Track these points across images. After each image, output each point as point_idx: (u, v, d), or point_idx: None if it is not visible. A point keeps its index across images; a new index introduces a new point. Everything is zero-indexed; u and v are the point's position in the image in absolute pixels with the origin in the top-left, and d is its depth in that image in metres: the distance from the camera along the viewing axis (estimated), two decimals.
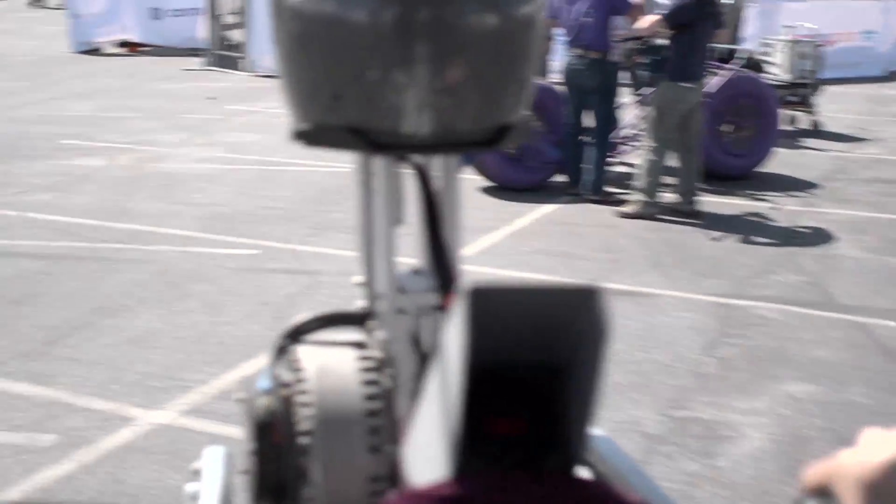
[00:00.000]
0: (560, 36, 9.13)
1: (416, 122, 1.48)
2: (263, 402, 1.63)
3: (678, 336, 5.74)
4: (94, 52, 19.52)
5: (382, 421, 1.57)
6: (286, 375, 1.65)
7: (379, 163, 1.68)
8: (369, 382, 1.60)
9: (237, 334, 5.51)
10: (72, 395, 4.77)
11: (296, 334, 1.72)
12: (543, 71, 9.64)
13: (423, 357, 1.67)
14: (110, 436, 4.37)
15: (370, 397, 1.58)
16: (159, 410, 4.62)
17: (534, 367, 0.96)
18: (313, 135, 1.55)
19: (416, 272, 1.72)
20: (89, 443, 4.31)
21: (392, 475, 1.55)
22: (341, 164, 8.71)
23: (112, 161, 10.18)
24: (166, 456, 4.18)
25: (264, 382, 1.67)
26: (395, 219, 1.69)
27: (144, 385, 4.88)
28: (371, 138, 1.51)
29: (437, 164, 1.69)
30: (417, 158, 1.64)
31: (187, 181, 9.39)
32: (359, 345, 1.69)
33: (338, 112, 1.51)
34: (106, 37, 19.84)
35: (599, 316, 0.91)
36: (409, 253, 1.73)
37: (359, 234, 1.75)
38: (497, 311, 0.89)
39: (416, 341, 1.69)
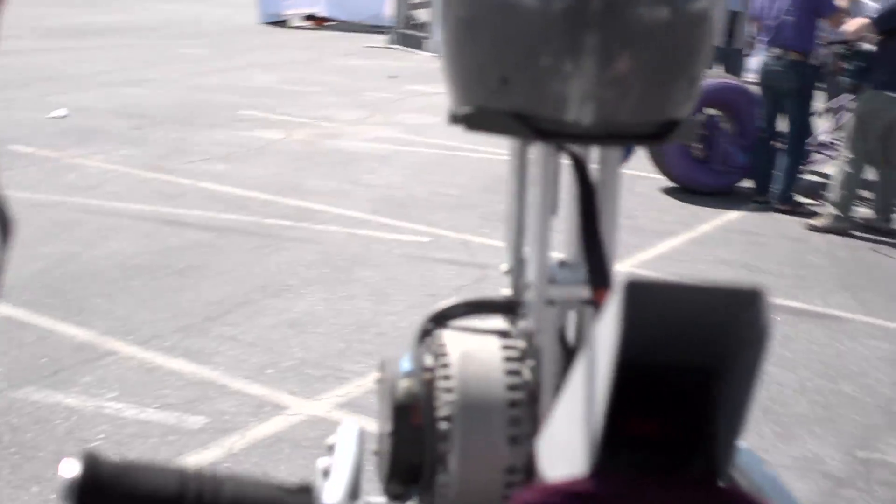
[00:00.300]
0: (761, 35, 8.70)
1: (581, 111, 1.48)
2: (405, 384, 1.64)
3: (869, 367, 5.32)
4: (280, 23, 19.88)
5: (523, 412, 1.56)
6: (429, 359, 1.66)
7: (537, 151, 1.67)
8: (512, 372, 1.60)
9: (400, 325, 5.38)
10: (227, 376, 4.71)
11: (441, 319, 1.73)
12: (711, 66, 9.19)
13: (568, 351, 1.67)
14: (262, 424, 4.29)
15: (512, 387, 1.58)
16: (314, 401, 4.52)
17: (685, 369, 0.94)
18: (475, 118, 1.55)
19: (565, 264, 1.71)
20: (239, 429, 4.23)
21: (529, 467, 1.53)
22: None
23: (289, 135, 10.25)
24: (318, 450, 4.05)
25: (406, 365, 1.68)
26: (550, 208, 1.68)
27: (301, 372, 4.80)
28: (534, 125, 1.51)
29: (596, 156, 1.68)
30: (576, 148, 1.62)
31: (361, 160, 9.36)
32: (504, 333, 1.69)
33: (502, 96, 1.51)
34: (293, 9, 20.18)
35: (760, 320, 0.87)
36: (558, 246, 1.70)
37: (509, 222, 1.76)
38: (652, 307, 0.88)
39: (562, 334, 1.69)
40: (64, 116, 10.73)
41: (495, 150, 9.25)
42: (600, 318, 0.96)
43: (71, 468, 1.02)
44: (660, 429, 0.94)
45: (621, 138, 1.55)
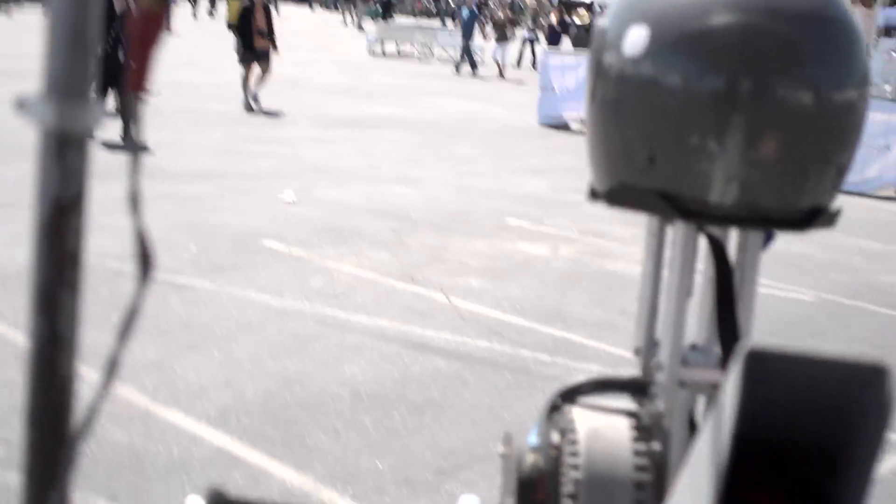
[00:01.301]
0: None
1: (725, 193, 1.52)
2: (531, 459, 1.65)
3: None
4: (561, 127, 19.48)
5: (649, 493, 1.54)
6: (556, 435, 1.66)
7: (676, 231, 1.68)
8: (640, 453, 1.59)
9: None
10: None
11: (570, 395, 1.74)
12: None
13: (696, 433, 1.64)
14: None
15: (639, 468, 1.56)
16: None
17: (808, 444, 0.92)
18: (618, 194, 1.62)
19: (697, 347, 1.74)
20: None
21: None
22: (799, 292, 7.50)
23: (555, 250, 9.62)
24: None
25: (533, 439, 1.69)
26: (686, 290, 1.69)
27: None
28: (677, 204, 1.55)
29: (735, 239, 1.70)
30: (715, 230, 1.66)
31: (634, 287, 8.56)
32: (633, 414, 1.68)
33: (648, 175, 1.57)
34: (574, 111, 19.76)
35: (886, 397, 0.86)
36: (690, 328, 1.65)
37: (641, 302, 1.80)
38: (774, 379, 0.88)
39: (691, 417, 1.72)
40: (292, 202, 10.71)
41: (779, 285, 8.24)
42: (723, 387, 0.98)
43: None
44: (777, 503, 0.94)
45: (765, 222, 1.57)
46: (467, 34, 27.26)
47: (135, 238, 1.10)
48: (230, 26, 32.80)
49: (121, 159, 11.82)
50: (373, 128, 16.36)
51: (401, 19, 39.25)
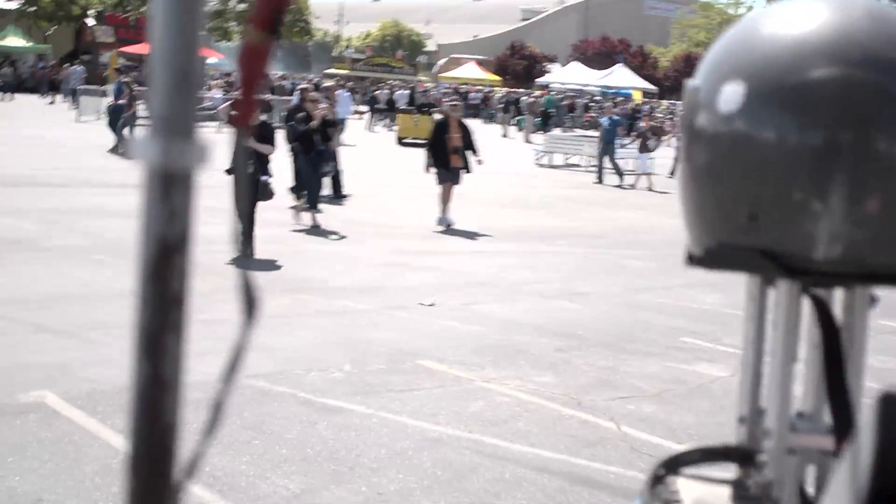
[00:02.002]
0: None
1: (830, 250, 1.49)
2: None
3: None
4: None
5: None
6: None
7: (779, 293, 1.66)
8: None
9: None
10: None
11: (673, 465, 1.71)
12: None
13: (806, 503, 1.63)
14: None
15: None
16: None
17: None
18: (718, 255, 1.60)
19: (804, 414, 1.70)
20: None
21: None
22: None
23: (735, 373, 8.87)
24: None
25: None
26: (792, 354, 1.66)
27: None
28: (781, 262, 1.52)
29: (841, 299, 1.66)
30: (820, 291, 1.62)
31: None
32: (739, 483, 1.68)
33: (749, 234, 1.55)
34: None
35: None
36: (796, 394, 1.62)
37: (745, 368, 1.75)
38: None
39: (801, 487, 1.67)
40: (431, 305, 10.50)
41: None
42: (855, 438, 0.96)
43: None
44: None
45: (872, 279, 1.55)
46: (608, 143, 26.42)
47: (239, 280, 1.08)
48: (401, 140, 33.32)
49: (276, 274, 11.75)
50: (539, 240, 15.93)
51: (556, 131, 39.03)
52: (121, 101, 25.13)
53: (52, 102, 43.23)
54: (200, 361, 7.84)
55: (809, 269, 1.54)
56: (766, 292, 1.75)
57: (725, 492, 1.70)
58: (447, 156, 16.45)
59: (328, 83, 24.90)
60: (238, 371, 1.09)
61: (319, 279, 11.67)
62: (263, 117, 13.35)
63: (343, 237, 14.82)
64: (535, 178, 26.28)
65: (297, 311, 10.04)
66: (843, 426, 1.59)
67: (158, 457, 1.08)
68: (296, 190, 15.77)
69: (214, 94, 35.74)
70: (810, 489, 1.68)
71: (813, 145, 1.50)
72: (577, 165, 30.29)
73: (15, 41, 53.37)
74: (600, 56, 78.71)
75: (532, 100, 45.73)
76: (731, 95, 1.59)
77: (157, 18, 1.04)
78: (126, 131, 24.29)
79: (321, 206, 15.89)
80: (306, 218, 15.49)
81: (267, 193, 12.87)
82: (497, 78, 71.19)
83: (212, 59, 52.26)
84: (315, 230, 15.09)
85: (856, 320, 1.69)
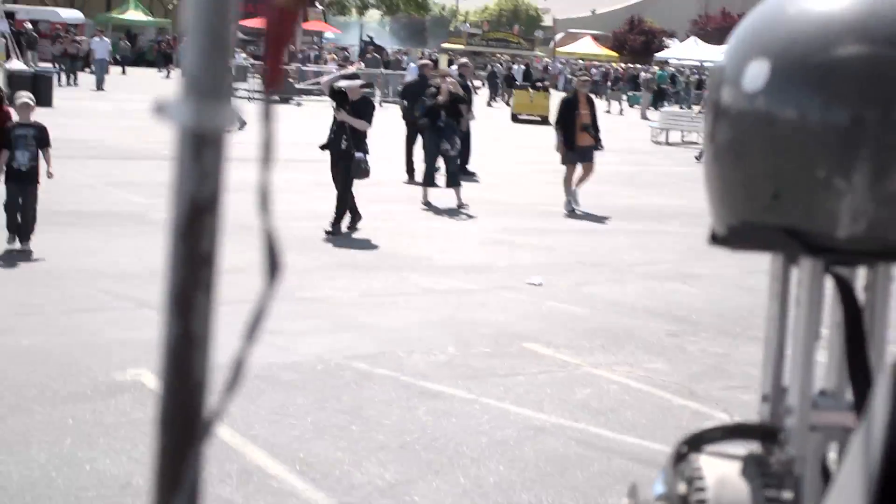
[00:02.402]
0: None
1: (854, 227, 1.50)
2: None
3: None
4: None
5: None
6: (683, 484, 1.67)
7: (802, 271, 1.67)
8: (770, 500, 1.59)
9: None
10: None
11: (696, 443, 1.73)
12: None
13: (829, 479, 1.64)
14: None
15: None
16: None
17: None
18: (741, 234, 1.62)
19: (827, 392, 1.71)
20: None
21: None
22: None
23: None
24: None
25: (659, 488, 1.66)
26: (815, 332, 1.67)
27: None
28: (805, 240, 1.54)
29: (864, 278, 1.67)
30: (843, 270, 1.64)
31: None
32: (762, 460, 1.69)
33: (773, 212, 1.56)
34: None
35: None
36: (819, 373, 1.62)
37: (768, 347, 1.76)
38: None
39: (823, 464, 1.70)
40: (539, 284, 10.29)
41: None
42: (873, 402, 0.98)
43: None
44: None
45: (892, 256, 1.57)
46: None
47: (263, 240, 1.06)
48: (516, 117, 32.83)
49: (383, 251, 11.58)
50: (653, 219, 15.49)
51: (674, 108, 38.06)
52: None
53: (167, 76, 43.81)
54: (298, 341, 7.75)
55: (832, 247, 1.55)
56: (790, 271, 1.76)
57: (749, 469, 1.69)
58: (574, 134, 15.58)
59: (463, 59, 24.49)
60: (259, 330, 1.03)
61: (427, 257, 11.46)
62: (364, 91, 12.86)
63: (455, 214, 14.59)
64: (651, 156, 25.68)
65: (403, 290, 9.85)
66: (865, 403, 1.56)
67: (188, 413, 1.08)
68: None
69: (331, 68, 35.82)
70: (833, 466, 1.68)
71: (837, 123, 1.50)
72: (695, 143, 29.58)
73: (135, 15, 54.30)
74: (720, 31, 76.94)
75: (650, 76, 44.88)
76: (757, 73, 1.59)
77: None
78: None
79: (448, 182, 15.50)
80: (438, 196, 15.15)
81: (361, 171, 12.37)
82: (614, 54, 70.14)
83: (329, 34, 52.46)
84: (428, 206, 14.87)
85: (878, 298, 1.69)
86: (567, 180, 15.70)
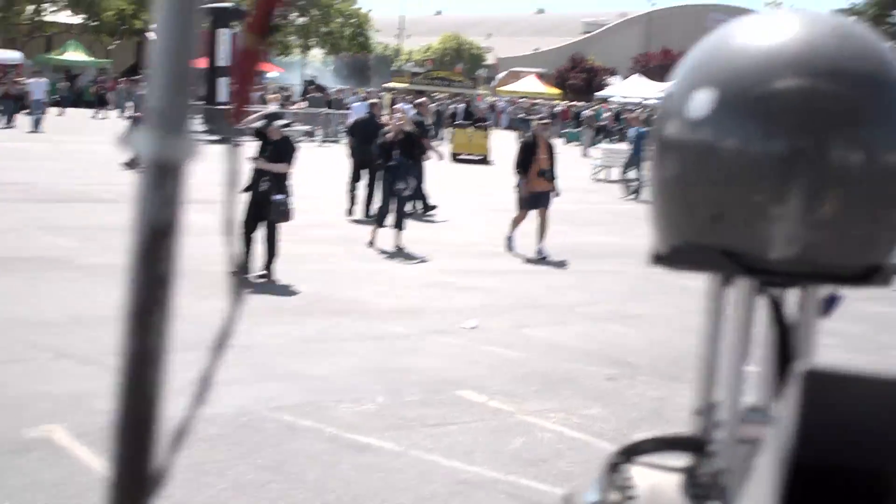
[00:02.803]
0: None
1: (788, 250, 1.59)
2: None
3: None
4: None
5: None
6: (615, 494, 1.71)
7: (737, 291, 1.74)
8: None
9: None
10: None
11: (629, 454, 1.78)
12: None
13: None
14: None
15: None
16: None
17: (873, 473, 0.89)
18: (681, 254, 1.70)
19: (757, 408, 1.76)
20: None
21: None
22: None
23: None
24: None
25: (592, 496, 1.70)
26: (745, 349, 1.75)
27: None
28: (741, 261, 1.62)
29: (795, 299, 1.74)
30: (775, 291, 1.72)
31: None
32: (692, 472, 1.75)
33: (714, 233, 1.65)
34: None
35: None
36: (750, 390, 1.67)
37: (701, 363, 1.82)
38: (832, 400, 0.88)
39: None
40: (474, 327, 10.10)
41: None
42: (777, 409, 1.14)
43: None
44: None
45: (824, 279, 1.66)
46: (634, 155, 25.19)
47: (229, 261, 1.19)
48: (455, 157, 32.63)
49: (316, 295, 11.28)
50: (594, 257, 15.35)
51: (619, 145, 38.17)
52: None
53: (102, 118, 42.99)
54: (221, 391, 7.43)
55: (766, 268, 1.62)
56: (725, 291, 1.81)
57: (678, 479, 1.75)
58: (530, 180, 15.16)
59: (421, 98, 24.20)
60: (223, 349, 1.16)
61: (363, 301, 11.18)
62: (284, 132, 12.39)
63: (395, 256, 14.33)
64: (592, 193, 25.63)
65: (334, 335, 9.57)
66: None
67: (141, 428, 1.14)
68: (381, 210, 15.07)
69: (271, 107, 35.49)
70: None
71: (775, 151, 1.57)
72: (636, 180, 29.59)
73: (76, 55, 53.66)
74: (662, 68, 77.67)
75: (591, 113, 45.05)
76: (701, 102, 1.66)
77: (158, 24, 1.14)
78: None
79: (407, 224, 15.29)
80: (384, 236, 14.83)
81: (281, 214, 11.84)
82: (557, 91, 70.50)
83: (272, 73, 52.13)
84: (371, 246, 14.58)
85: (807, 319, 1.75)
86: (516, 221, 15.38)
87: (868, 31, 1.73)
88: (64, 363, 7.96)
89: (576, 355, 9.39)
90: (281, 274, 11.97)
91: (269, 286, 11.52)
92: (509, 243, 15.29)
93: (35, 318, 9.33)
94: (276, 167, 11.90)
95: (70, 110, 43.92)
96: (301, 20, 67.42)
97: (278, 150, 12.02)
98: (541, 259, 14.82)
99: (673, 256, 1.72)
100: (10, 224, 14.65)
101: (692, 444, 1.81)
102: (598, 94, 64.18)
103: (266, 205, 11.73)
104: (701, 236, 1.67)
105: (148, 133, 1.12)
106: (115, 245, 13.29)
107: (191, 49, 1.14)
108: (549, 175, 15.35)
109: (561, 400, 7.95)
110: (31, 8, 56.71)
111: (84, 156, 25.30)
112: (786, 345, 1.72)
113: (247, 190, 11.92)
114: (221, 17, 37.32)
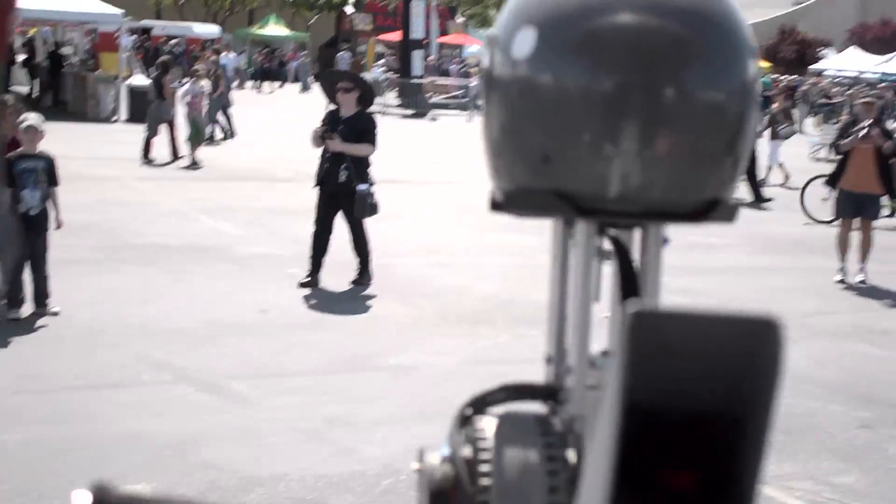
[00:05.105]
0: None
1: (620, 189, 1.60)
2: (442, 471, 1.67)
3: None
4: None
5: (563, 498, 1.58)
6: (467, 446, 1.68)
7: (578, 234, 1.75)
8: (552, 458, 1.61)
9: None
10: None
11: (480, 405, 1.75)
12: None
13: None
14: None
15: (552, 473, 1.59)
16: None
17: (707, 413, 0.92)
18: (517, 198, 1.69)
19: (607, 353, 1.75)
20: None
21: None
22: None
23: None
24: None
25: (444, 451, 1.68)
26: (591, 295, 1.75)
27: None
28: (574, 203, 1.63)
29: (637, 240, 1.75)
30: (616, 232, 1.73)
31: None
32: (544, 420, 1.72)
33: (544, 176, 1.65)
34: None
35: (779, 354, 0.88)
36: (601, 335, 1.61)
37: (550, 310, 1.81)
38: (663, 340, 0.90)
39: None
40: None
41: None
42: (611, 357, 1.14)
43: (82, 498, 1.02)
44: (685, 480, 0.92)
45: (660, 216, 1.66)
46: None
47: None
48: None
49: (484, 300, 9.49)
50: (820, 252, 13.15)
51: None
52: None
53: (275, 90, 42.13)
54: (369, 436, 5.90)
55: (601, 208, 1.61)
56: (568, 234, 1.79)
57: (529, 427, 1.68)
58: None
59: None
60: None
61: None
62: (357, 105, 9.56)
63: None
64: (810, 175, 23.09)
65: (515, 353, 7.83)
66: None
67: None
68: None
69: (471, 82, 34.13)
70: None
71: (603, 89, 1.55)
72: None
73: (276, 30, 53.62)
74: (880, 41, 72.87)
75: (807, 88, 41.86)
76: (524, 41, 1.64)
77: None
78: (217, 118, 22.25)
79: None
80: None
81: (367, 208, 9.47)
82: (767, 64, 66.91)
83: (472, 48, 50.65)
84: None
85: (650, 259, 1.73)
86: (841, 241, 11.70)
87: None
88: (181, 390, 6.52)
89: (814, 389, 7.37)
90: (457, 267, 10.35)
91: (404, 289, 9.87)
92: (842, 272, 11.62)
93: (164, 324, 7.95)
94: (357, 149, 9.46)
95: (266, 84, 43.60)
96: None
97: (354, 127, 9.48)
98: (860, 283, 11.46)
99: (507, 202, 1.67)
100: (174, 206, 13.57)
101: (543, 392, 1.76)
102: (812, 67, 60.39)
103: (345, 197, 9.45)
104: (533, 180, 1.62)
105: None
106: (281, 232, 12.05)
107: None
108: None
109: (804, 460, 6.01)
110: None
111: (268, 130, 24.39)
112: (631, 287, 1.66)
113: (319, 182, 9.65)
114: None
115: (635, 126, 1.54)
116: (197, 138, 18.31)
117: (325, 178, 9.51)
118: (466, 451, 1.67)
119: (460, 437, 1.73)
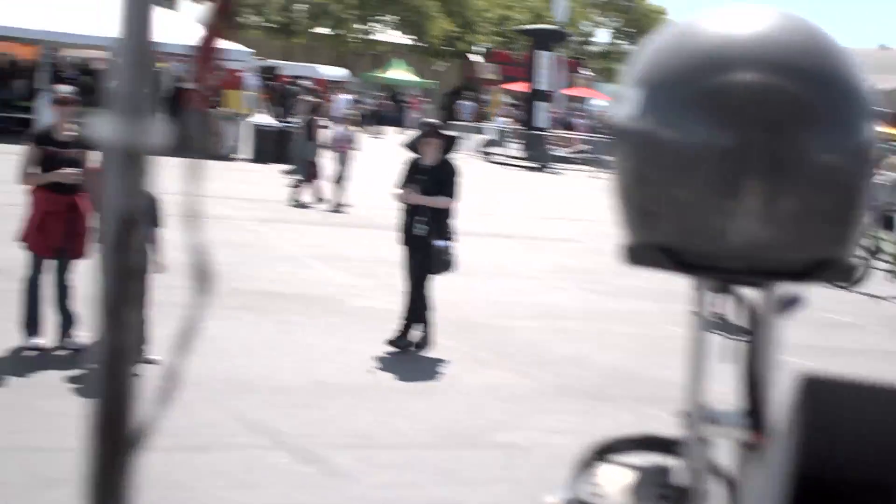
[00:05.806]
0: None
1: (730, 246, 1.60)
2: None
3: None
4: None
5: None
6: (586, 491, 1.76)
7: (697, 291, 1.75)
8: None
9: None
10: None
11: (604, 452, 1.83)
12: None
13: (733, 488, 1.72)
14: None
15: None
16: None
17: (878, 484, 0.86)
18: (633, 252, 1.72)
19: (727, 407, 1.77)
20: None
21: None
22: None
23: None
24: None
25: (565, 493, 1.72)
26: (705, 350, 1.75)
27: None
28: (680, 258, 1.63)
29: (759, 298, 1.72)
30: (743, 291, 1.71)
31: None
32: (661, 471, 1.78)
33: (651, 230, 1.68)
34: None
35: None
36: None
37: (690, 364, 1.78)
38: (836, 409, 0.86)
39: (727, 475, 1.79)
40: None
41: None
42: (781, 418, 1.06)
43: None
44: None
45: (770, 275, 1.64)
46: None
47: (192, 255, 1.13)
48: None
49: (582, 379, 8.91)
50: None
51: None
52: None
53: (376, 136, 41.74)
54: None
55: (709, 265, 1.61)
56: (702, 289, 1.77)
57: (648, 478, 1.74)
58: None
59: None
60: (191, 340, 1.15)
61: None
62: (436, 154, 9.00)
63: None
64: None
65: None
66: (758, 418, 1.67)
67: (116, 419, 1.21)
68: None
69: (595, 137, 33.56)
70: (731, 475, 1.73)
71: (724, 149, 1.56)
72: None
73: (401, 74, 53.40)
74: None
75: None
76: (638, 98, 1.66)
77: (121, 14, 1.18)
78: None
79: None
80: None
81: (443, 264, 8.83)
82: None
83: (598, 101, 49.92)
84: None
85: (769, 317, 1.72)
86: None
87: (817, 25, 1.68)
88: (275, 457, 6.06)
89: None
90: (575, 333, 9.75)
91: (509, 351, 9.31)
92: None
93: (267, 380, 7.52)
94: (436, 202, 8.85)
95: (390, 129, 43.35)
96: (625, 46, 65.17)
97: (436, 177, 8.87)
98: None
99: (626, 255, 1.69)
100: (288, 252, 13.27)
101: (665, 445, 1.78)
102: None
103: (420, 251, 8.86)
104: (642, 234, 1.66)
105: (112, 119, 1.13)
106: (393, 284, 11.51)
107: (149, 36, 1.15)
108: None
109: None
110: (360, 27, 57.38)
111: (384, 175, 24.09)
112: (751, 345, 1.67)
113: (401, 235, 9.08)
114: (542, 40, 35.84)
115: (755, 184, 1.55)
116: (343, 182, 18.18)
117: (406, 232, 9.01)
118: (585, 496, 1.74)
119: (581, 481, 1.81)
